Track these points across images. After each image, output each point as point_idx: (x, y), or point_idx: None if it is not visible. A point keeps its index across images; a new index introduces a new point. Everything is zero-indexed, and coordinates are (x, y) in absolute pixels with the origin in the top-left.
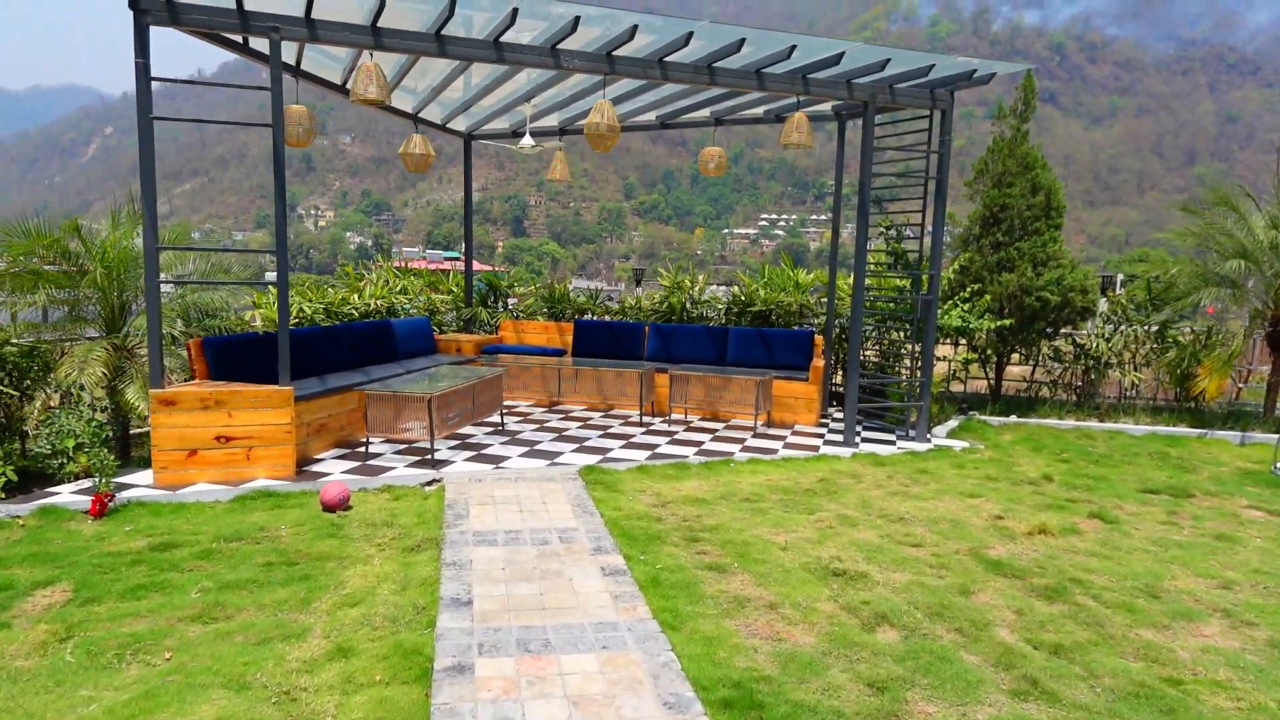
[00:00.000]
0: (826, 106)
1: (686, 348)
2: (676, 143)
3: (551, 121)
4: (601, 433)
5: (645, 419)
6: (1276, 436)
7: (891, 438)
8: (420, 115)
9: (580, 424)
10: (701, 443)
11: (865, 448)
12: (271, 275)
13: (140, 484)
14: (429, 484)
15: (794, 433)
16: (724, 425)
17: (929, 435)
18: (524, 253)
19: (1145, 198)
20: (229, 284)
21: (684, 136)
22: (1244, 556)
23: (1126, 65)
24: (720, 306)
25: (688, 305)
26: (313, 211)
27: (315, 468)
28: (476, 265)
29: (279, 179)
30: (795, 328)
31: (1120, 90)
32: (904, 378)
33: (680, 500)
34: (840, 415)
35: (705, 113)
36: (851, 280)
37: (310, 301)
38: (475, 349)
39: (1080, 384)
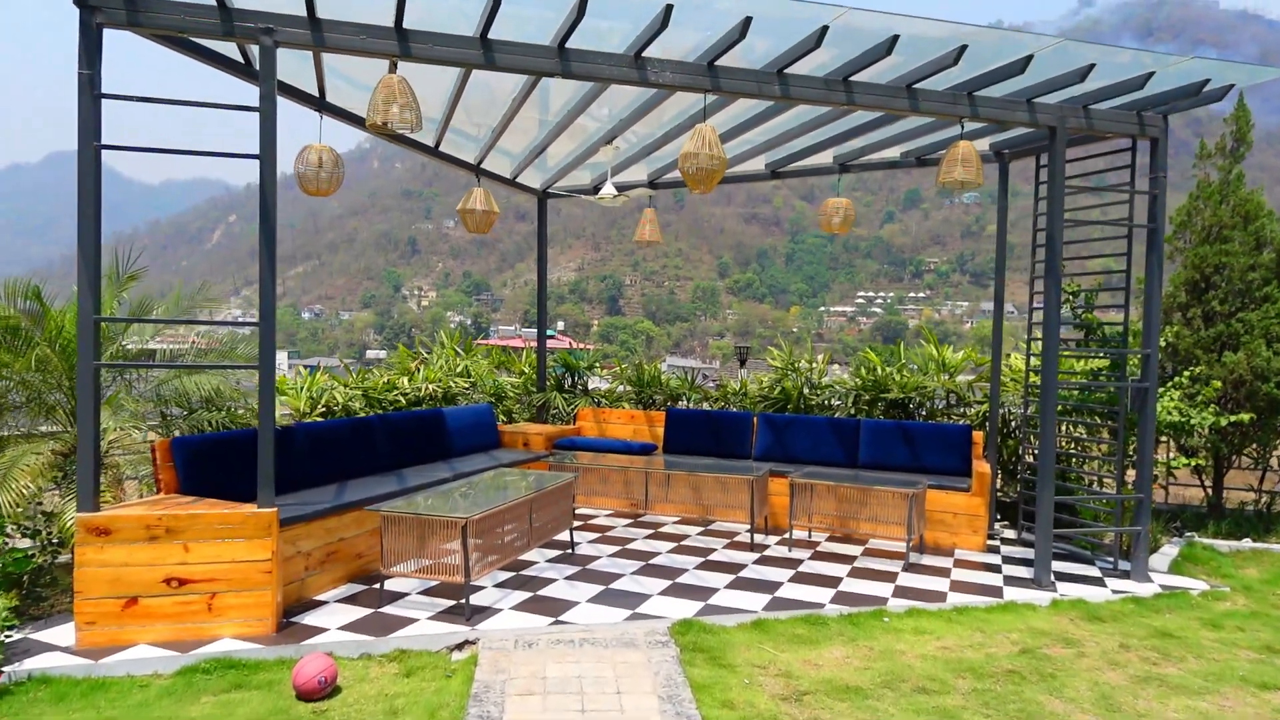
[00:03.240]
0: (984, 144)
1: (806, 445)
2: (771, 222)
3: (639, 174)
4: (701, 560)
5: (757, 539)
6: None
7: (1093, 570)
8: (483, 167)
9: (673, 545)
10: (837, 579)
11: (1063, 588)
12: (375, 353)
13: (58, 645)
14: (458, 648)
15: (957, 562)
16: (862, 549)
17: (1149, 571)
18: (619, 330)
19: None
20: (199, 367)
21: (779, 215)
22: None
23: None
24: (846, 391)
25: (805, 391)
26: (416, 292)
27: (310, 617)
28: (569, 343)
29: (265, 227)
30: (942, 420)
31: None
32: (1095, 488)
33: (821, 688)
34: (1010, 534)
35: (827, 157)
36: (1020, 361)
37: (346, 387)
38: (546, 443)
39: None
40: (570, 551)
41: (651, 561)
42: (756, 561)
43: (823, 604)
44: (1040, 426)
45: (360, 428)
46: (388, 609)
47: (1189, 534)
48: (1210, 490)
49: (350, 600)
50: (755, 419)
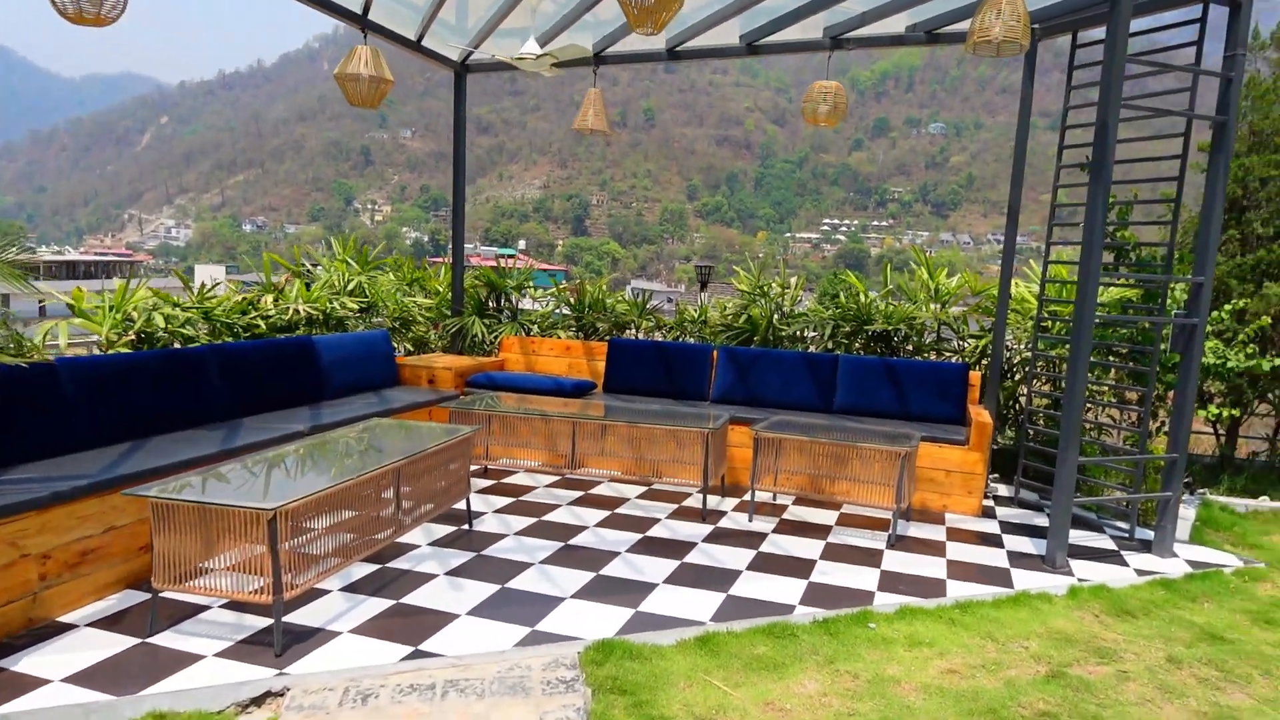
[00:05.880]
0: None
1: (774, 385)
2: (741, 145)
3: (582, 40)
4: (637, 538)
5: (711, 501)
6: None
7: (1105, 541)
8: (374, 20)
9: (604, 515)
10: (809, 564)
11: (1077, 568)
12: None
13: None
14: (254, 704)
15: (950, 532)
16: (836, 516)
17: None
18: (584, 252)
19: None
20: None
21: (749, 139)
22: None
23: None
24: (822, 321)
25: (775, 320)
26: (370, 205)
27: (30, 657)
28: (531, 262)
29: None
30: (928, 357)
31: None
32: (1103, 440)
33: None
34: (1004, 491)
35: (815, 29)
36: (1023, 290)
37: (178, 308)
38: (457, 380)
39: None
40: (467, 529)
41: (572, 541)
42: (708, 538)
43: (791, 606)
44: (1069, 369)
45: (181, 362)
46: (162, 637)
47: (1201, 491)
48: (1224, 440)
49: (113, 622)
50: (715, 353)
